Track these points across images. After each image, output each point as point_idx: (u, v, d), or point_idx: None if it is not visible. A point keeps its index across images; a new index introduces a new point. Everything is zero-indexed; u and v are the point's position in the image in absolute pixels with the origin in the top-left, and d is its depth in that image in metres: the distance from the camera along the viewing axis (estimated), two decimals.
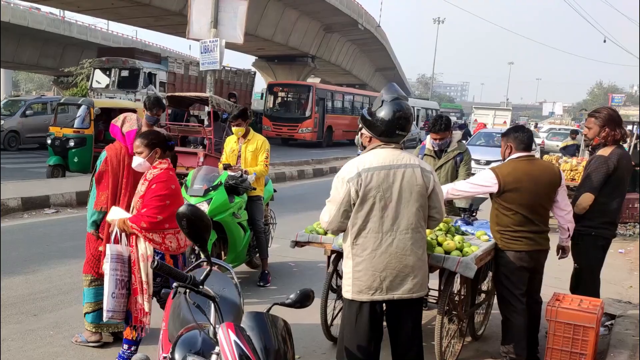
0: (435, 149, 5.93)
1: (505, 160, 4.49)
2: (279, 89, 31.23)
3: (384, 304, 3.54)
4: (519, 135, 4.43)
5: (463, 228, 4.92)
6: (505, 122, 35.33)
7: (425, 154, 6.00)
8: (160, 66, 23.85)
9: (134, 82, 22.36)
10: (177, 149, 11.50)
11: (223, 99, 12.67)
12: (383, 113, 3.41)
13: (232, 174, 6.08)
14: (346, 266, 3.51)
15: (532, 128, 41.13)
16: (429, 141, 6.03)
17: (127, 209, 4.48)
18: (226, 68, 28.34)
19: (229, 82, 28.27)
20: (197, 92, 23.80)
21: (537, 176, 4.31)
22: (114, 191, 4.53)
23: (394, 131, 3.42)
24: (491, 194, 4.45)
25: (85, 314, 4.64)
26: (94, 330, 4.60)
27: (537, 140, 32.36)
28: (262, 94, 30.99)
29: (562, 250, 4.75)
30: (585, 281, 4.85)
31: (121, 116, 4.85)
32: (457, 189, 4.53)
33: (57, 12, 37.73)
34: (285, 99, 31.04)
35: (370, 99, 34.42)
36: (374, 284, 3.39)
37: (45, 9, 34.53)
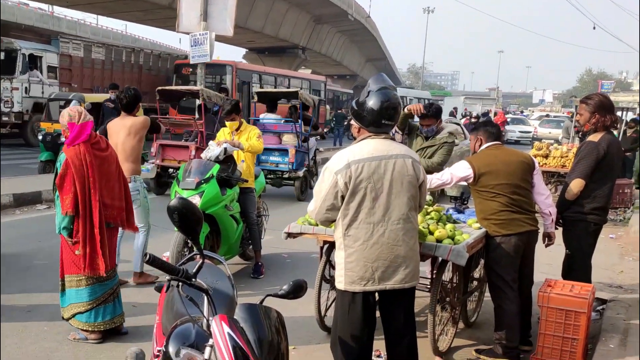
0: (423, 134, 6.01)
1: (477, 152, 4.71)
2: (188, 71, 23.66)
3: (376, 294, 3.55)
4: (489, 129, 4.73)
5: (454, 216, 4.95)
6: (490, 111, 35.54)
7: (417, 133, 6.08)
8: (48, 47, 20.28)
9: (10, 67, 18.50)
10: (169, 142, 11.54)
11: (214, 92, 12.64)
12: (370, 103, 3.41)
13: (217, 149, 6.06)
14: (338, 257, 3.52)
15: (518, 115, 41.35)
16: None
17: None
18: (145, 50, 25.37)
19: (150, 67, 24.86)
20: (104, 78, 21.75)
21: (507, 158, 4.52)
22: (83, 192, 4.38)
23: (381, 121, 3.42)
24: (470, 185, 4.59)
25: (75, 314, 4.55)
26: (90, 329, 4.55)
27: (529, 128, 32.57)
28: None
29: (548, 237, 4.78)
30: (577, 267, 4.88)
31: (73, 112, 4.49)
32: (439, 179, 4.63)
33: (46, 8, 37.35)
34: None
35: (311, 84, 30.69)
36: (366, 275, 3.40)
37: (34, 4, 34.23)
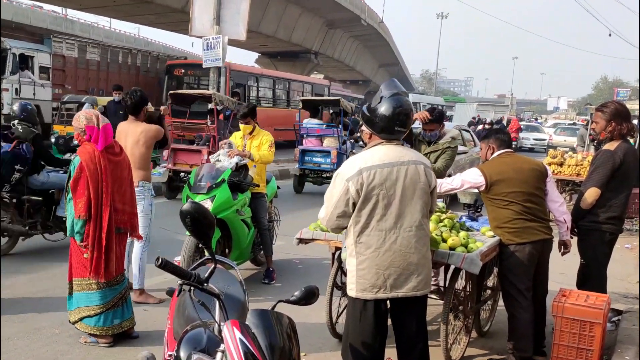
0: (426, 139, 5.96)
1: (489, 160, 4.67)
2: (181, 72, 22.85)
3: (388, 302, 3.52)
4: (500, 136, 4.71)
5: (468, 224, 4.90)
6: (503, 118, 35.39)
7: (418, 140, 6.04)
8: (40, 46, 19.26)
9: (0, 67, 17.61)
10: (180, 146, 11.58)
11: (226, 96, 12.69)
12: (382, 109, 3.37)
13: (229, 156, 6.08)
14: (349, 264, 3.48)
15: (532, 122, 41.12)
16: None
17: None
18: (142, 51, 24.52)
19: (148, 69, 23.93)
20: (100, 79, 21.15)
21: (519, 166, 4.48)
22: (96, 196, 4.38)
23: (393, 127, 3.38)
24: (482, 193, 4.55)
25: (82, 318, 4.53)
26: (98, 333, 4.55)
27: (544, 136, 32.31)
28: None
29: (563, 246, 4.73)
30: (592, 277, 4.83)
31: (90, 115, 4.49)
32: (449, 183, 4.60)
33: (60, 10, 37.69)
34: (191, 85, 22.83)
35: (313, 87, 29.10)
36: (378, 282, 3.37)
37: (47, 6, 34.50)
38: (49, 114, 18.73)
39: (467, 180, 4.53)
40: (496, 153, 4.61)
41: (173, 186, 11.50)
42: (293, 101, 26.59)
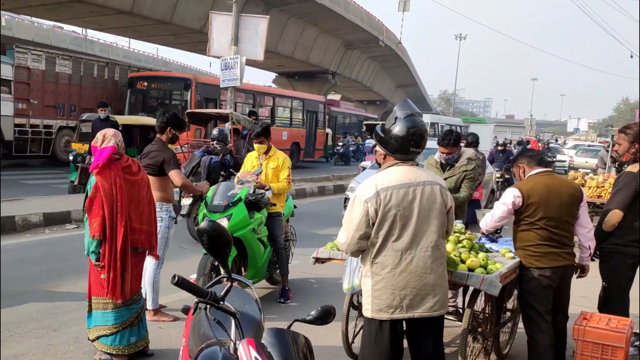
0: (442, 162, 5.93)
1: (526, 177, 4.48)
2: (144, 85, 20.41)
3: (404, 322, 3.47)
4: (528, 153, 4.58)
5: (487, 245, 4.83)
6: (521, 138, 35.20)
7: (430, 164, 6.01)
8: (1, 57, 17.40)
9: None
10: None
11: (243, 115, 12.76)
12: (397, 130, 3.37)
13: (246, 180, 6.06)
14: (365, 285, 3.46)
15: (552, 144, 40.80)
16: (437, 153, 6.04)
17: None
18: (121, 65, 22.84)
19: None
20: (71, 94, 19.56)
21: (559, 189, 4.31)
22: (111, 215, 4.36)
23: (408, 148, 3.38)
24: (516, 212, 4.40)
25: (100, 336, 4.49)
26: (114, 352, 4.50)
27: (563, 157, 31.98)
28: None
29: (581, 269, 4.63)
30: (614, 300, 4.74)
31: (99, 135, 4.55)
32: (495, 216, 4.46)
33: (80, 31, 38.32)
34: (156, 100, 20.73)
35: (305, 103, 26.21)
36: (394, 303, 3.34)
37: (68, 27, 35.10)
38: (10, 131, 17.62)
39: (507, 205, 4.35)
40: (534, 171, 4.41)
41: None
42: (279, 118, 24.26)
